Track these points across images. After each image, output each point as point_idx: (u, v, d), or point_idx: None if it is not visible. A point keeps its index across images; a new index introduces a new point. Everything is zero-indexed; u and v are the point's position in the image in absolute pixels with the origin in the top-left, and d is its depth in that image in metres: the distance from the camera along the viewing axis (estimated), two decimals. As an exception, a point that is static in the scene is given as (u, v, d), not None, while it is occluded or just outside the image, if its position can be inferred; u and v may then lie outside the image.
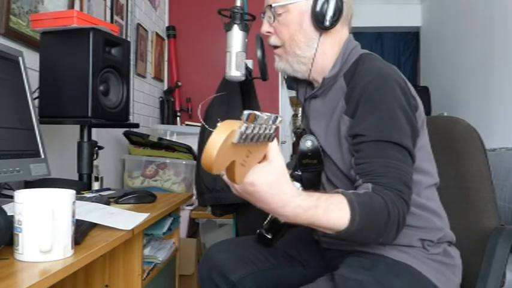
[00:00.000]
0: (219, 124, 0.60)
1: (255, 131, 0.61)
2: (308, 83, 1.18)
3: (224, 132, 0.59)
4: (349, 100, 1.03)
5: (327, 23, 1.07)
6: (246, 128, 0.60)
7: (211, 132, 0.60)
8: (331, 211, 0.83)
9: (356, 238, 0.90)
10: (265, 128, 0.64)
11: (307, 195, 0.81)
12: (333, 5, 1.06)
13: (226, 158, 0.61)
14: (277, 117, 0.65)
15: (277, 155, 0.73)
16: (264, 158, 0.72)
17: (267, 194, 0.73)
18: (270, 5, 1.10)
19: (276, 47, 1.14)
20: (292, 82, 1.24)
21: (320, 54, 1.10)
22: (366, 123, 0.97)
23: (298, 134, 1.05)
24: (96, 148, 1.56)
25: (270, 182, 0.72)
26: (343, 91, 1.06)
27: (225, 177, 0.73)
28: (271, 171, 0.72)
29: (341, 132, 1.03)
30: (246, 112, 0.59)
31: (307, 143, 1.11)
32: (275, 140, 0.72)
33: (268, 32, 1.13)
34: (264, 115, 0.62)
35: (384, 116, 0.97)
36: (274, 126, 0.66)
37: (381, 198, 0.88)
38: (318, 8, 1.06)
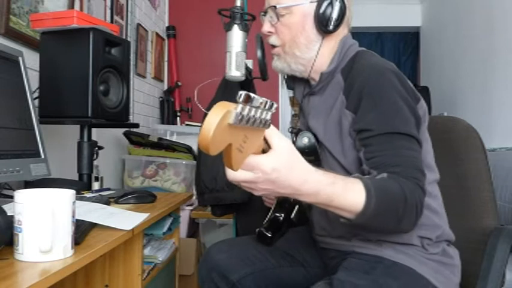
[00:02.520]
0: (214, 105, 0.60)
1: (251, 114, 0.61)
2: (305, 81, 1.19)
3: (220, 113, 0.59)
4: (349, 95, 1.03)
5: (331, 27, 1.07)
6: (242, 109, 0.60)
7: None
8: (348, 189, 0.84)
9: (374, 224, 0.89)
10: (261, 113, 0.64)
11: (323, 172, 0.82)
12: (337, 9, 1.06)
13: (222, 139, 0.61)
14: (273, 103, 0.65)
15: (280, 138, 0.73)
16: (268, 147, 0.73)
17: (288, 176, 0.75)
18: (274, 6, 1.10)
19: (274, 46, 1.14)
20: (289, 81, 1.24)
21: (319, 55, 1.10)
22: (370, 117, 0.98)
23: (294, 132, 1.05)
24: (96, 148, 1.55)
25: (286, 164, 0.74)
26: (340, 86, 1.06)
27: (239, 174, 0.72)
28: (283, 154, 0.73)
29: (343, 127, 1.03)
30: (241, 92, 0.59)
31: (304, 140, 1.11)
32: (273, 127, 0.72)
33: (269, 32, 1.14)
34: (259, 98, 0.62)
35: (387, 109, 0.97)
36: (270, 113, 0.66)
37: (397, 184, 0.88)
38: (321, 11, 1.06)
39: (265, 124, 0.67)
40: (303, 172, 0.77)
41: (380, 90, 0.99)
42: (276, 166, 0.73)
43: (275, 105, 0.66)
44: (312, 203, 0.86)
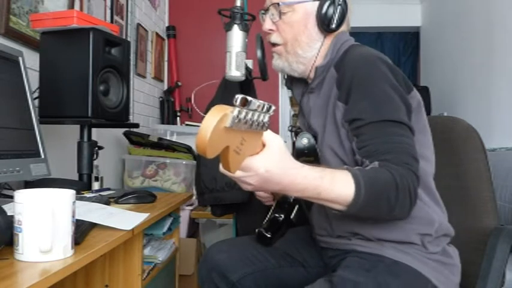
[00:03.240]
0: (211, 109, 0.61)
1: (248, 117, 0.62)
2: (304, 81, 1.19)
3: (216, 116, 0.59)
4: (340, 86, 1.03)
5: (333, 26, 1.08)
6: (239, 112, 0.60)
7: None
8: (336, 182, 0.85)
9: (367, 213, 0.90)
10: (259, 115, 0.64)
11: (310, 167, 0.83)
12: (339, 8, 1.07)
13: (219, 142, 0.61)
14: (270, 106, 0.66)
15: (273, 137, 0.75)
16: (263, 146, 0.74)
17: (280, 175, 0.77)
18: (277, 3, 1.10)
19: (275, 44, 1.14)
20: (288, 81, 1.25)
21: (319, 54, 1.11)
22: (360, 107, 0.98)
23: (294, 131, 1.05)
24: (96, 148, 1.56)
25: (278, 163, 0.76)
26: (334, 78, 1.07)
27: (237, 173, 0.73)
28: (275, 153, 0.75)
29: (337, 119, 1.04)
30: (237, 96, 0.60)
31: (303, 141, 1.12)
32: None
33: (271, 30, 1.13)
34: (256, 101, 0.63)
35: (377, 97, 0.98)
36: (268, 115, 0.67)
37: (387, 172, 0.89)
38: (323, 10, 1.07)
39: (263, 126, 0.67)
40: (293, 171, 0.79)
41: (370, 80, 0.99)
42: (269, 167, 0.75)
43: (273, 108, 0.67)
44: (300, 198, 0.87)
